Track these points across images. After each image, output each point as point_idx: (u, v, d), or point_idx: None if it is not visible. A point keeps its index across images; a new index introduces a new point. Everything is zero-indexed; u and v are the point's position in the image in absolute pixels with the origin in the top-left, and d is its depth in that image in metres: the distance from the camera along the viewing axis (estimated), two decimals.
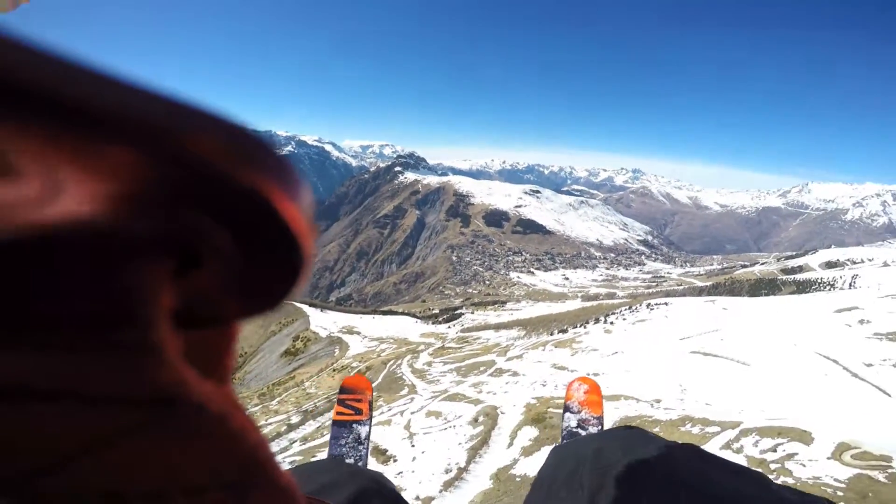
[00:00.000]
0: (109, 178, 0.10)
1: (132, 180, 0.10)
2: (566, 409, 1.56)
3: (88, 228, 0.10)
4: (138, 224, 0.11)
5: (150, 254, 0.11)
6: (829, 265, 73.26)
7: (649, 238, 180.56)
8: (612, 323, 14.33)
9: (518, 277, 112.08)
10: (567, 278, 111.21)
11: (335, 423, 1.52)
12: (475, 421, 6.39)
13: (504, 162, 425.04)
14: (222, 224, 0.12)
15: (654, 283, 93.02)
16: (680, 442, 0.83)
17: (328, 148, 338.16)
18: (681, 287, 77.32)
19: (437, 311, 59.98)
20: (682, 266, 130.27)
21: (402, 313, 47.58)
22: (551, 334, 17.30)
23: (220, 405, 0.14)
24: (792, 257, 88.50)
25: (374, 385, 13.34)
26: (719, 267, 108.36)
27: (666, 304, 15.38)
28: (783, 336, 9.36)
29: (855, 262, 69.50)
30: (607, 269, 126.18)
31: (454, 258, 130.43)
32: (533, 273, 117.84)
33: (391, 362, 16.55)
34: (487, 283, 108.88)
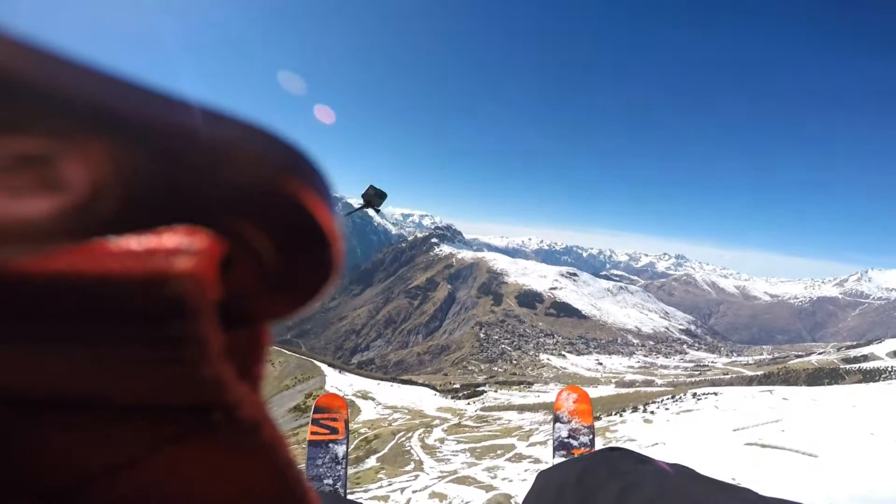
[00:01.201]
0: (160, 180, 0.11)
1: (185, 185, 0.11)
2: (556, 419, 1.55)
3: (137, 223, 0.11)
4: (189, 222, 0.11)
5: (197, 250, 0.11)
6: None
7: (692, 327, 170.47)
8: (652, 412, 12.72)
9: (548, 359, 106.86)
10: (601, 363, 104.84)
11: (311, 443, 1.51)
12: None
13: (542, 241, 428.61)
14: (260, 226, 0.12)
15: (698, 372, 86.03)
16: (669, 462, 0.81)
17: (371, 213, 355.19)
18: (728, 376, 70.99)
19: (457, 385, 57.23)
20: (728, 355, 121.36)
21: (422, 384, 45.61)
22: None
23: (255, 412, 0.14)
24: (854, 347, 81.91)
25: (379, 455, 12.27)
26: (770, 357, 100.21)
27: (715, 393, 13.69)
28: (856, 425, 7.99)
29: None
30: (645, 356, 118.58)
31: (482, 335, 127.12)
32: (564, 356, 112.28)
33: (401, 434, 15.43)
34: (514, 362, 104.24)
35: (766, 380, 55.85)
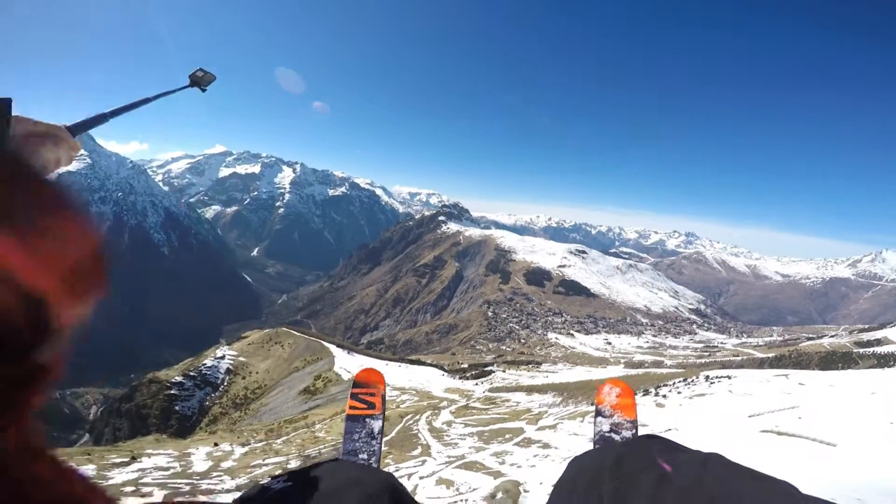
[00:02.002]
0: None
1: None
2: (598, 413, 1.57)
3: None
4: None
5: None
6: None
7: (702, 307, 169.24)
8: (664, 396, 12.46)
9: (556, 338, 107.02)
10: (609, 343, 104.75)
11: (348, 417, 1.58)
12: (492, 497, 5.40)
13: (550, 219, 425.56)
14: None
15: (707, 353, 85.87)
16: (705, 451, 0.80)
17: (379, 192, 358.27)
18: (738, 358, 70.72)
19: (465, 365, 57.77)
20: (737, 336, 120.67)
21: (430, 364, 46.07)
22: (592, 404, 15.45)
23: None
24: (866, 330, 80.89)
25: (386, 440, 12.25)
26: (780, 338, 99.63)
27: (729, 377, 13.37)
28: (875, 413, 7.69)
29: None
30: (654, 336, 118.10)
31: (490, 314, 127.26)
32: (573, 335, 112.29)
33: (409, 416, 15.40)
34: (523, 341, 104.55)
35: (778, 362, 55.43)
